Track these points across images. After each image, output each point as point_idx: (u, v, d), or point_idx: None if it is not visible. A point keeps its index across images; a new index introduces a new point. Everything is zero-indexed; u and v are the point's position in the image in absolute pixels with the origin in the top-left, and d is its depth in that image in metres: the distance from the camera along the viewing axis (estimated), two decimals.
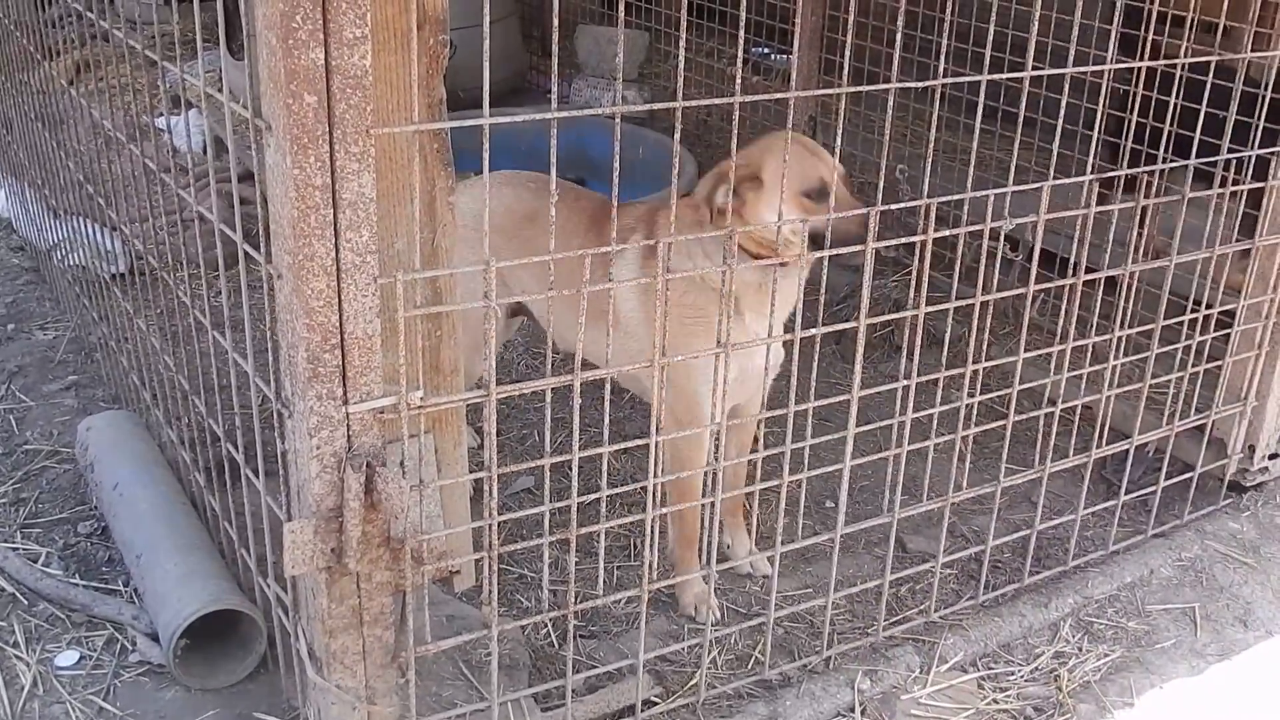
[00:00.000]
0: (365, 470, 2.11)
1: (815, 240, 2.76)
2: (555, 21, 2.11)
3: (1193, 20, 3.40)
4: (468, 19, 6.21)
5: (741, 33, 2.24)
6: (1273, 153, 3.33)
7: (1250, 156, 3.21)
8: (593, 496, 2.46)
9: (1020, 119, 2.86)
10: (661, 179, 5.07)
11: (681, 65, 2.22)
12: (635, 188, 4.11)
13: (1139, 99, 3.49)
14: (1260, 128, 3.27)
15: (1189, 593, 3.35)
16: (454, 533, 2.52)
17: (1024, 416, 3.07)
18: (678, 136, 2.29)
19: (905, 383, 2.73)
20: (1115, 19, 3.26)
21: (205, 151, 5.65)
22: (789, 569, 3.37)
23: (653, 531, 2.55)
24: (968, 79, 2.51)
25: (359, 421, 2.10)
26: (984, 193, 2.64)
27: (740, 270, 2.74)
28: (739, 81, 2.21)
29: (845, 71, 2.45)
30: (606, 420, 2.40)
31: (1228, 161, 3.10)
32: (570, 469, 3.51)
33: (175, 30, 3.11)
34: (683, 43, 2.17)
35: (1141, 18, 3.99)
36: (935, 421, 2.87)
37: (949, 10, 2.70)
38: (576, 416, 2.33)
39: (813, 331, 2.58)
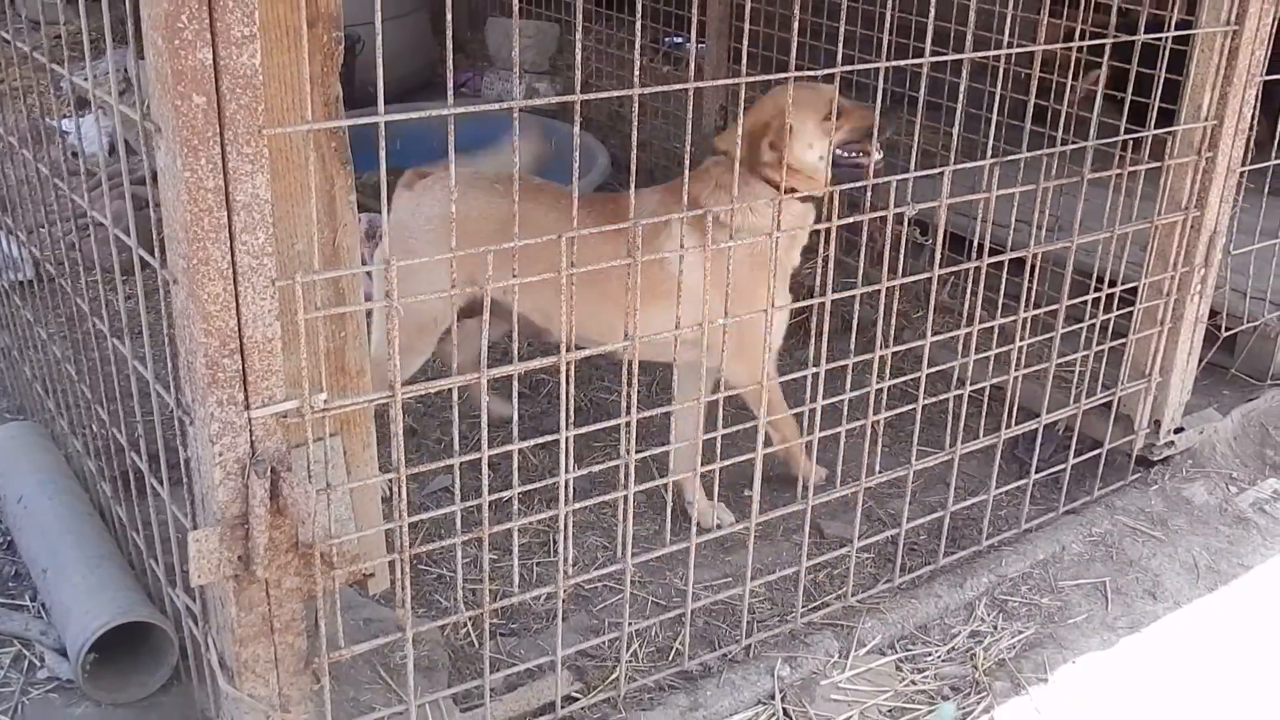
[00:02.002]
0: (270, 476, 2.08)
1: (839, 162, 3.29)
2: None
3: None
4: (372, 15, 6.22)
5: (639, 22, 2.23)
6: (1169, 132, 3.39)
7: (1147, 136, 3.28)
8: (506, 494, 2.45)
9: (921, 104, 2.88)
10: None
11: (579, 58, 2.21)
12: (549, 178, 4.09)
13: (1038, 82, 3.54)
14: (1156, 108, 3.33)
15: (1100, 567, 3.41)
16: (365, 535, 2.51)
17: (934, 400, 3.10)
18: (577, 129, 2.27)
19: (815, 370, 2.75)
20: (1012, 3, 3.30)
21: (111, 153, 5.55)
22: (708, 559, 3.38)
23: (567, 526, 2.54)
24: (866, 66, 2.52)
25: (262, 426, 2.07)
26: (888, 179, 2.66)
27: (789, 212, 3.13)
28: (637, 73, 2.20)
29: (744, 60, 2.45)
30: (515, 417, 2.39)
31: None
32: (495, 464, 3.51)
33: (84, 28, 3.04)
34: (578, 37, 2.16)
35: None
36: (846, 407, 2.89)
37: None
38: (485, 415, 2.32)
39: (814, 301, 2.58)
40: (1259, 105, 3.46)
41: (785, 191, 2.87)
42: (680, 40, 6.77)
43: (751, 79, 2.49)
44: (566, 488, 2.50)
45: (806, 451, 3.40)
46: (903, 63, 2.69)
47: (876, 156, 3.28)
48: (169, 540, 2.49)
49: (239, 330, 1.99)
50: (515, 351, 2.30)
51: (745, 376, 3.19)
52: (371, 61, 5.74)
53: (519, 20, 6.00)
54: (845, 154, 3.34)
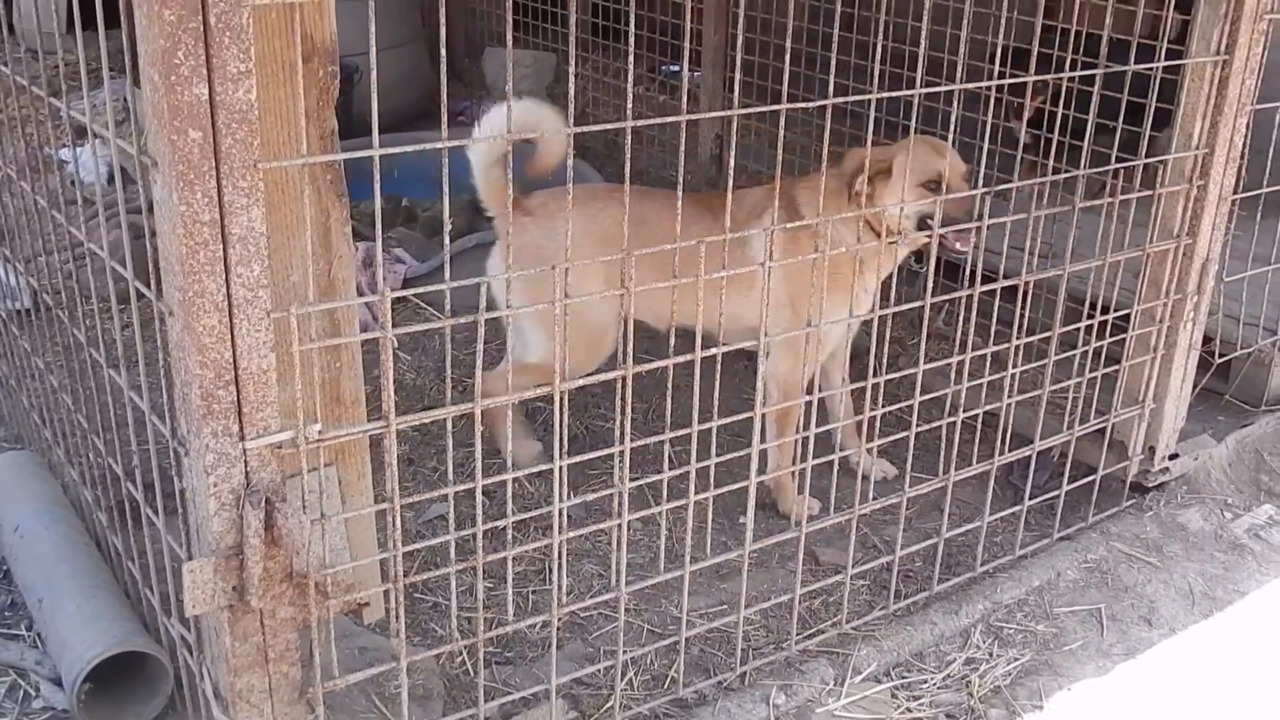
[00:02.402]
0: (264, 506, 2.09)
1: (925, 224, 3.37)
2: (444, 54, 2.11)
3: (1082, 34, 3.48)
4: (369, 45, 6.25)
5: (631, 54, 2.25)
6: (1160, 161, 3.41)
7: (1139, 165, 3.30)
8: (500, 523, 2.45)
9: (913, 132, 2.89)
10: None
11: (572, 91, 2.22)
12: None
13: (1032, 111, 3.57)
14: (1148, 137, 3.35)
15: (1095, 594, 3.41)
16: (360, 565, 2.51)
17: (927, 427, 3.11)
18: (570, 162, 2.28)
19: (808, 398, 2.76)
20: (999, 34, 3.34)
21: (110, 182, 5.57)
22: (703, 587, 3.39)
23: (561, 555, 2.54)
24: (855, 98, 2.55)
25: (256, 457, 2.08)
26: (878, 208, 2.68)
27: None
28: (629, 106, 2.22)
29: (737, 90, 2.47)
30: (509, 447, 2.40)
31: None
32: (492, 492, 3.51)
33: (82, 59, 3.07)
34: (571, 69, 2.18)
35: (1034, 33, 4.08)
36: (838, 435, 2.90)
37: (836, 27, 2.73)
38: (479, 443, 2.33)
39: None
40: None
41: (866, 226, 3.15)
42: (677, 69, 6.82)
43: (745, 110, 2.52)
44: (561, 517, 2.51)
45: (797, 486, 3.43)
46: (895, 94, 2.70)
47: (963, 248, 3.44)
48: (164, 570, 2.50)
49: (234, 362, 2.00)
50: (509, 380, 2.31)
51: (785, 369, 3.53)
52: (366, 92, 5.77)
53: (516, 50, 6.07)
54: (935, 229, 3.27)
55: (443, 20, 1.94)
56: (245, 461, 2.08)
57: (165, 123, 1.84)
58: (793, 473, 3.64)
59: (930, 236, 3.18)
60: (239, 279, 1.96)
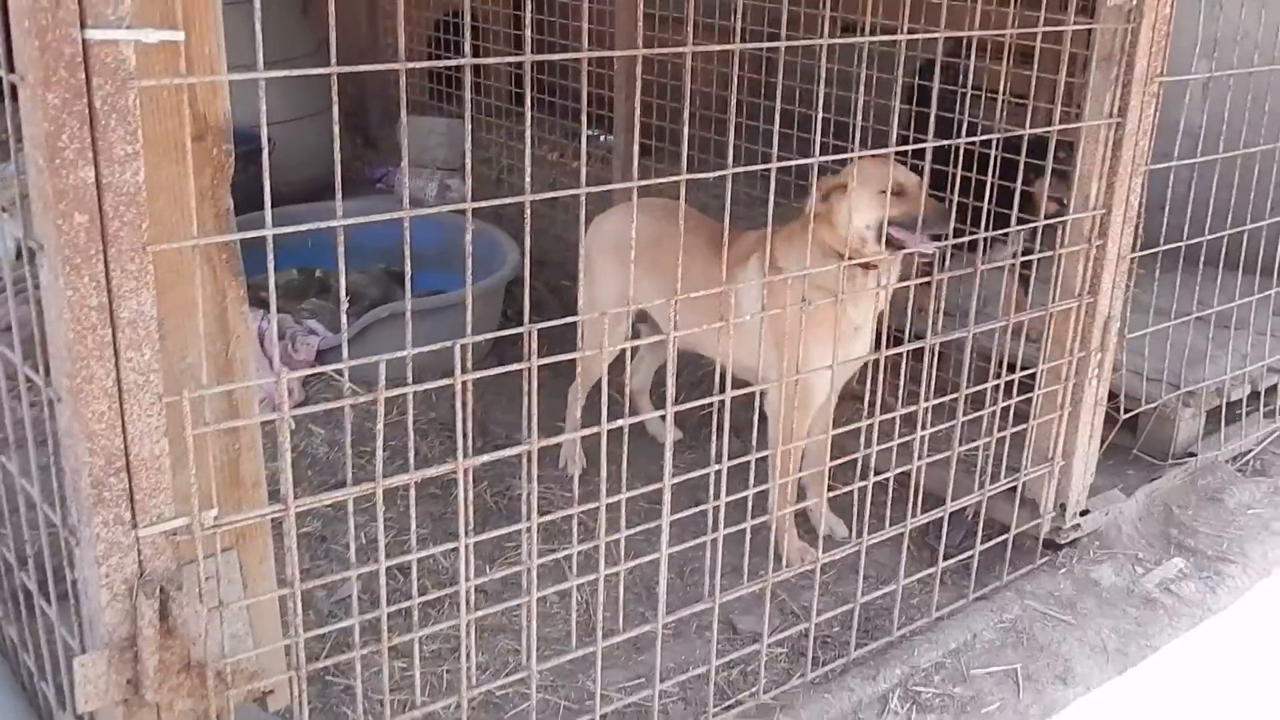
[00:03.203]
0: (159, 596, 2.04)
1: (894, 245, 3.42)
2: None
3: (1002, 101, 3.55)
4: (286, 114, 6.20)
5: (529, 131, 2.25)
6: (1061, 221, 3.47)
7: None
8: (406, 604, 2.41)
9: (812, 201, 2.92)
10: (484, 265, 5.08)
11: (469, 160, 2.22)
12: (458, 276, 4.10)
13: (933, 174, 3.62)
14: (1046, 198, 3.42)
15: (1011, 654, 3.42)
16: (264, 651, 2.45)
17: (838, 493, 3.12)
18: (469, 237, 2.26)
19: (717, 467, 2.75)
20: (900, 99, 3.39)
21: (18, 257, 5.47)
22: (620, 660, 3.35)
23: (470, 635, 2.50)
24: (757, 167, 2.57)
25: (150, 545, 2.03)
26: (783, 276, 2.70)
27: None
28: (528, 180, 2.22)
29: (637, 156, 2.48)
30: (414, 527, 2.36)
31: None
32: (404, 570, 3.46)
33: None
34: (467, 147, 2.17)
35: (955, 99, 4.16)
36: (750, 503, 2.90)
37: (733, 96, 2.76)
38: (380, 525, 2.29)
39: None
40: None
41: (838, 256, 3.15)
42: (594, 134, 6.87)
43: (645, 183, 2.52)
44: (470, 595, 2.47)
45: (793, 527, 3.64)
46: (794, 162, 2.73)
47: (926, 248, 3.41)
48: (59, 662, 2.42)
49: (125, 448, 1.96)
50: (411, 460, 2.29)
51: (779, 412, 3.52)
52: (282, 162, 5.74)
53: (430, 119, 6.02)
54: (898, 234, 3.44)
55: (334, 99, 1.93)
56: (138, 550, 2.02)
57: (50, 206, 1.80)
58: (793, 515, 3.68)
59: (894, 247, 3.33)
60: (129, 364, 1.92)
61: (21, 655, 2.74)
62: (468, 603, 2.46)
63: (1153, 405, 4.27)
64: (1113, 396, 3.94)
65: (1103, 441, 3.85)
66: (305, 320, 4.94)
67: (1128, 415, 4.24)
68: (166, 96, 2.02)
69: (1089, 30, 3.43)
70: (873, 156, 3.36)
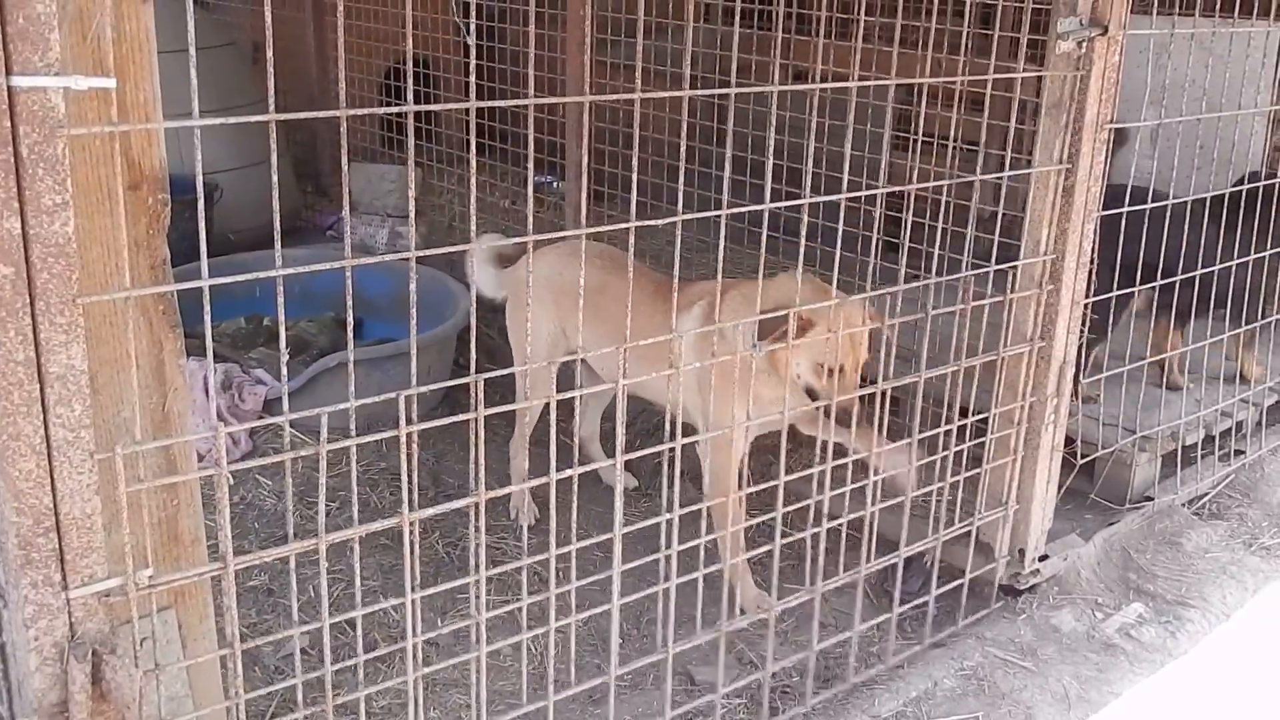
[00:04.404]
0: (90, 659, 1.97)
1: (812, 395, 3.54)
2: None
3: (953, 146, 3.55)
4: (234, 162, 6.16)
5: (473, 183, 2.22)
6: (1012, 267, 3.47)
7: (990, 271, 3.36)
8: (350, 662, 2.35)
9: (763, 244, 2.90)
10: (436, 314, 5.03)
11: (412, 207, 2.18)
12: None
13: (884, 219, 3.61)
14: (998, 243, 3.42)
15: (973, 702, 3.38)
16: (203, 714, 2.37)
17: (790, 540, 3.08)
18: (413, 285, 2.22)
19: (668, 516, 2.71)
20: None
21: None
22: (575, 713, 3.29)
23: (416, 693, 2.44)
24: (705, 214, 2.54)
25: (82, 607, 1.96)
26: (735, 322, 2.67)
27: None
28: (474, 228, 2.18)
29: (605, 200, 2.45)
30: (358, 582, 2.30)
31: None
32: (351, 624, 3.39)
33: None
34: (411, 194, 2.14)
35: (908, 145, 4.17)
36: (702, 551, 2.85)
37: (683, 145, 2.74)
38: (324, 581, 2.23)
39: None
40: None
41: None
42: (548, 180, 6.85)
43: (594, 229, 2.50)
44: (417, 651, 2.41)
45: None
46: (747, 208, 2.71)
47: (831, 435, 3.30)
48: None
49: (55, 507, 1.89)
50: (355, 514, 2.23)
51: (711, 459, 3.63)
52: (230, 210, 5.68)
53: (381, 165, 5.98)
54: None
55: (273, 149, 1.88)
56: (69, 612, 1.96)
57: None
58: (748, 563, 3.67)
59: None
60: (58, 419, 1.86)
61: None
62: (415, 659, 2.39)
63: (1109, 450, 4.26)
64: (1069, 442, 3.92)
65: (1060, 486, 3.83)
66: (253, 369, 4.86)
67: (1085, 460, 4.23)
68: (99, 144, 1.97)
69: (1039, 77, 3.44)
70: (850, 324, 3.35)
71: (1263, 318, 4.69)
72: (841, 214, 2.95)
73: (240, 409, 4.63)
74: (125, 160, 2.02)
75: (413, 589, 2.34)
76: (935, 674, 3.46)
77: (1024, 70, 3.37)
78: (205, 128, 1.90)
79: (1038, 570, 3.82)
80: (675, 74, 5.72)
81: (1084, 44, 3.31)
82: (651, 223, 2.48)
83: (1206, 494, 4.58)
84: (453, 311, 5.15)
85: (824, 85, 3.01)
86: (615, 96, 2.64)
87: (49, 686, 1.96)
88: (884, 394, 3.15)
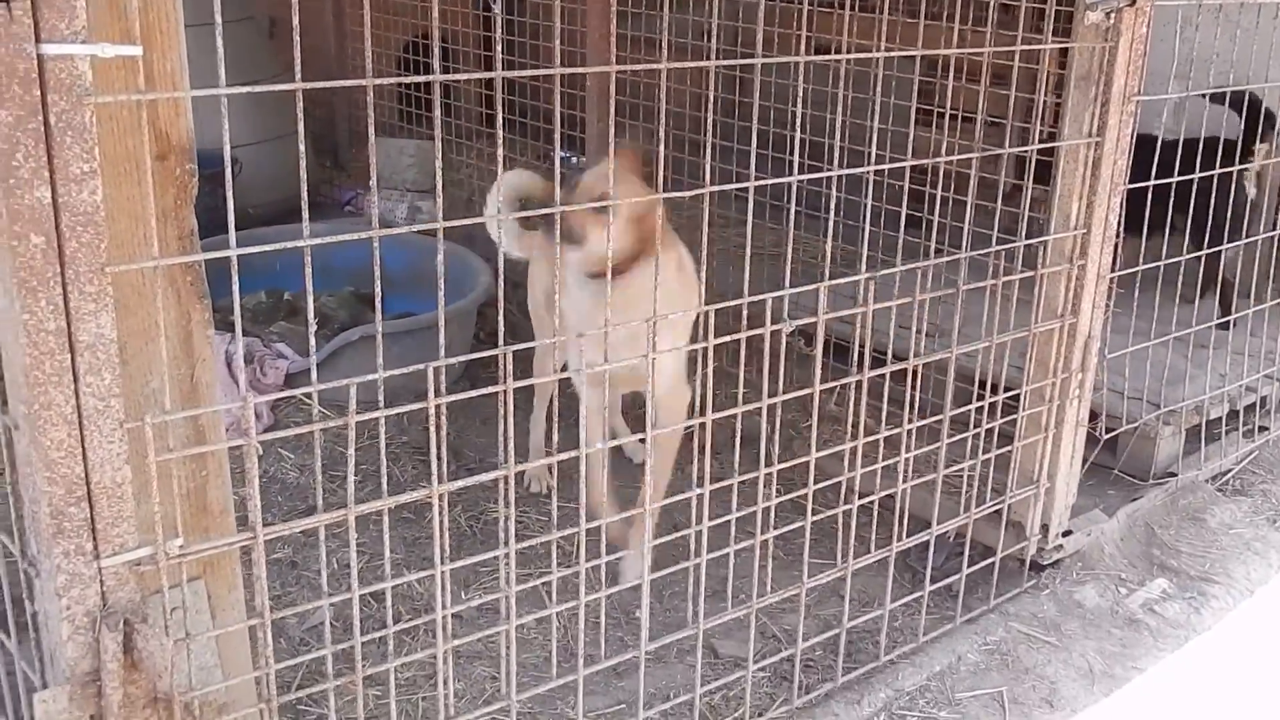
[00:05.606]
0: (122, 628, 1.97)
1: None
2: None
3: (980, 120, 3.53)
4: (252, 136, 6.15)
5: (501, 151, 2.20)
6: (1042, 242, 3.45)
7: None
8: (380, 633, 2.35)
9: (790, 218, 2.88)
10: (456, 288, 5.02)
11: (439, 179, 2.17)
12: (428, 298, 4.06)
13: (909, 192, 3.60)
14: (1026, 218, 3.39)
15: (996, 677, 3.37)
16: (234, 683, 2.38)
17: (822, 516, 3.07)
18: (440, 258, 2.21)
19: (699, 491, 2.70)
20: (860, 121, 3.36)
21: None
22: (600, 686, 3.28)
23: (446, 664, 2.44)
24: (737, 186, 2.53)
25: (113, 576, 1.96)
26: (761, 296, 2.65)
27: None
28: (500, 199, 2.16)
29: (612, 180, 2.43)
30: (387, 554, 2.30)
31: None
32: (378, 597, 3.39)
33: None
34: (438, 152, 2.12)
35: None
36: (733, 527, 2.84)
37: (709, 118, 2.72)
38: (353, 552, 2.23)
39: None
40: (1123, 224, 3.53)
41: None
42: (567, 156, 6.83)
43: (619, 200, 2.48)
44: (446, 623, 2.41)
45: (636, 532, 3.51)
46: (772, 180, 2.69)
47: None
48: (20, 697, 2.34)
49: (86, 477, 1.89)
50: (384, 486, 2.23)
51: None
52: (250, 186, 5.68)
53: (400, 140, 5.97)
54: None
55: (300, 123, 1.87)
56: (101, 581, 1.95)
57: (5, 228, 1.74)
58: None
59: None
60: (89, 389, 1.85)
61: None
62: (445, 631, 2.39)
63: (1133, 425, 4.24)
64: (1093, 417, 3.90)
65: (1084, 462, 3.81)
66: (274, 343, 4.87)
67: (1109, 435, 4.21)
68: (126, 114, 1.96)
69: (1063, 50, 3.41)
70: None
71: None
72: (869, 188, 2.94)
73: (261, 383, 4.63)
74: (153, 130, 2.01)
75: (442, 561, 2.33)
76: (959, 649, 3.45)
77: (1051, 42, 3.33)
78: (229, 103, 1.89)
79: (1061, 546, 3.80)
80: (695, 46, 5.73)
81: (1112, 15, 3.27)
82: (680, 194, 2.46)
83: (1230, 470, 4.55)
84: (473, 286, 5.15)
85: (850, 56, 2.98)
86: (641, 67, 2.62)
87: (81, 655, 1.96)
88: (913, 370, 3.13)
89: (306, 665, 3.24)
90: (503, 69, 2.12)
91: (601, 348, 2.72)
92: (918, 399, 3.23)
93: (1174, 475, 4.35)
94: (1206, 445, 4.45)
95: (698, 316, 3.20)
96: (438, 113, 2.13)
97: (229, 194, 1.91)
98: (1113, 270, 3.57)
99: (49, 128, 1.72)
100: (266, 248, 2.00)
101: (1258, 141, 4.81)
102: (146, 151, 1.95)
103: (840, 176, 2.82)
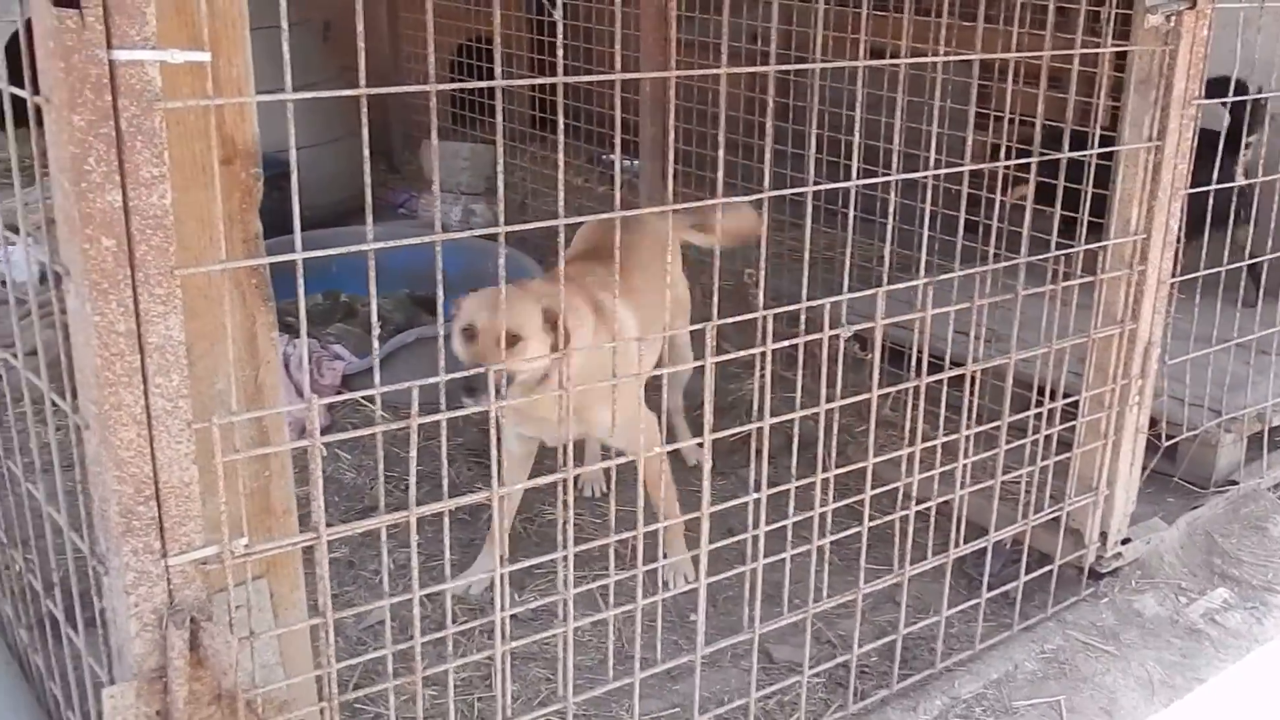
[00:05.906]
0: (189, 626, 1.99)
1: None
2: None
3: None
4: (306, 140, 6.19)
5: (560, 156, 2.21)
6: (1101, 246, 3.41)
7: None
8: (439, 635, 2.36)
9: (851, 221, 2.88)
10: None
11: (501, 181, 2.18)
12: None
13: (967, 197, 3.56)
14: (1085, 223, 3.36)
15: (1054, 685, 3.34)
16: (295, 682, 2.40)
17: (879, 522, 3.05)
18: (502, 260, 2.22)
19: (756, 495, 2.70)
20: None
21: (42, 282, 5.46)
22: (655, 689, 3.28)
23: (504, 667, 2.45)
24: (796, 191, 2.52)
25: (180, 575, 1.99)
26: (819, 301, 2.65)
27: None
28: (561, 203, 2.17)
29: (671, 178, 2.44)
30: (448, 554, 2.31)
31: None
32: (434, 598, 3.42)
33: (13, 155, 3.02)
34: (500, 168, 2.13)
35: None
36: (790, 532, 2.84)
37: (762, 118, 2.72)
38: (414, 553, 2.25)
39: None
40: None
41: None
42: (623, 160, 6.84)
43: (680, 206, 2.49)
44: (504, 624, 2.42)
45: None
46: (830, 186, 2.69)
47: None
48: (87, 691, 2.38)
49: (154, 476, 1.92)
50: (445, 487, 2.24)
51: None
52: (305, 188, 5.67)
53: (453, 143, 5.99)
54: None
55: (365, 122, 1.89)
56: (168, 579, 1.98)
57: (77, 230, 1.77)
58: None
59: None
60: (158, 390, 1.88)
61: (48, 683, 2.70)
62: (503, 632, 2.40)
63: (1194, 432, 4.18)
64: (1153, 424, 3.86)
65: (1144, 469, 3.77)
66: (331, 345, 4.91)
67: (1169, 442, 4.16)
68: (193, 119, 1.98)
69: (1120, 53, 3.38)
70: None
71: None
72: (929, 193, 2.92)
73: (319, 384, 4.67)
74: (219, 135, 2.04)
75: (501, 563, 2.34)
76: (1017, 656, 3.42)
77: (1111, 45, 3.30)
78: (279, 106, 1.91)
79: (1120, 554, 3.76)
80: (749, 50, 5.72)
81: (1172, 18, 3.24)
82: (739, 200, 2.46)
83: None
84: None
85: (909, 60, 2.97)
86: (700, 72, 2.62)
87: (148, 652, 1.99)
88: (972, 376, 3.11)
89: (363, 666, 3.27)
90: (563, 74, 2.13)
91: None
92: (975, 405, 3.21)
93: (1235, 483, 4.30)
94: (1268, 453, 4.38)
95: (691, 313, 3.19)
96: (500, 118, 2.15)
97: (294, 198, 1.92)
98: (1173, 276, 3.53)
99: (120, 132, 1.75)
100: (331, 251, 2.02)
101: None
102: (214, 156, 1.98)
103: (897, 181, 2.81)
